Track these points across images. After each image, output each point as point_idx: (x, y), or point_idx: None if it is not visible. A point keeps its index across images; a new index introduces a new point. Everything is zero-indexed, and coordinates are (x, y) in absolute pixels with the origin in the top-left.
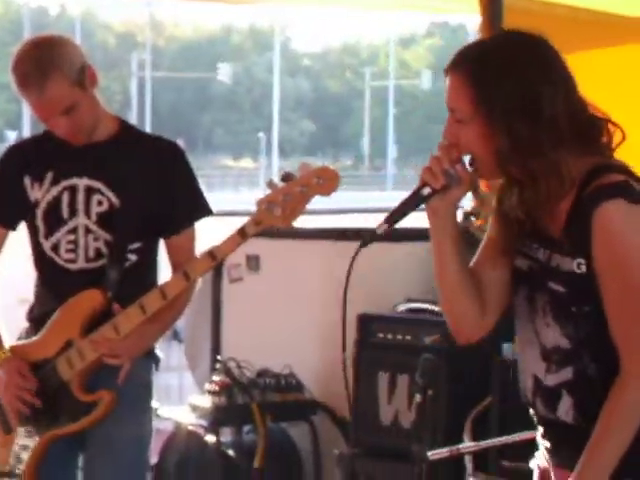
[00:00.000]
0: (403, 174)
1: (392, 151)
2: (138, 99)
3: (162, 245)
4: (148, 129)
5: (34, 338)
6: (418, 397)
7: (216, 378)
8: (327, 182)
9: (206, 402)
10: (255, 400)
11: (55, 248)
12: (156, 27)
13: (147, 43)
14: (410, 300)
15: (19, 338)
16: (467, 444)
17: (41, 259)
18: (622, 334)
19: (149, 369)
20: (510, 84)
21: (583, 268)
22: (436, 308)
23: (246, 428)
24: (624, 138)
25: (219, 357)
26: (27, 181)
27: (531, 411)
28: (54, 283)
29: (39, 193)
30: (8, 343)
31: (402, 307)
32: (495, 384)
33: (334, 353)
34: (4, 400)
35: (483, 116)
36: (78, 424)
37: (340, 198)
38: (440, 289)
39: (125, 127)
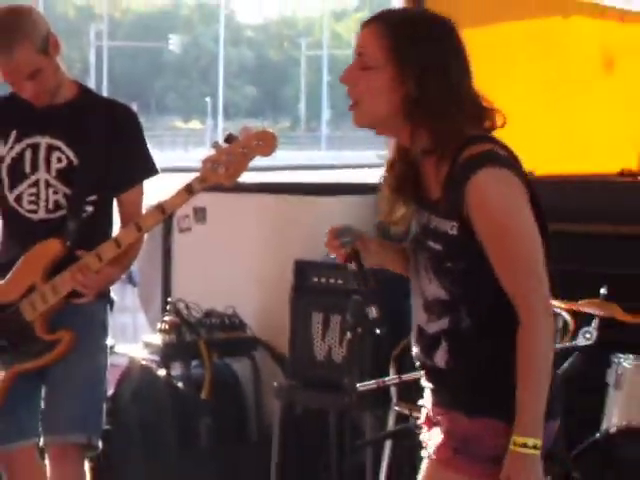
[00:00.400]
0: (335, 135)
1: (326, 114)
2: (96, 66)
3: None
4: (105, 94)
5: (0, 282)
6: (349, 335)
7: (167, 318)
8: (266, 144)
9: (158, 340)
10: (202, 338)
11: (18, 199)
12: (112, 1)
13: (104, 15)
14: None
15: None
16: (392, 377)
17: (5, 210)
18: (512, 291)
19: (105, 310)
20: (425, 46)
21: (455, 230)
22: None
23: (194, 363)
24: (504, 124)
25: (169, 299)
26: None
27: (414, 357)
28: (17, 232)
29: (3, 150)
30: None
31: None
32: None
33: (273, 295)
34: None
35: (395, 65)
36: (41, 360)
37: (279, 157)
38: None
39: (84, 91)
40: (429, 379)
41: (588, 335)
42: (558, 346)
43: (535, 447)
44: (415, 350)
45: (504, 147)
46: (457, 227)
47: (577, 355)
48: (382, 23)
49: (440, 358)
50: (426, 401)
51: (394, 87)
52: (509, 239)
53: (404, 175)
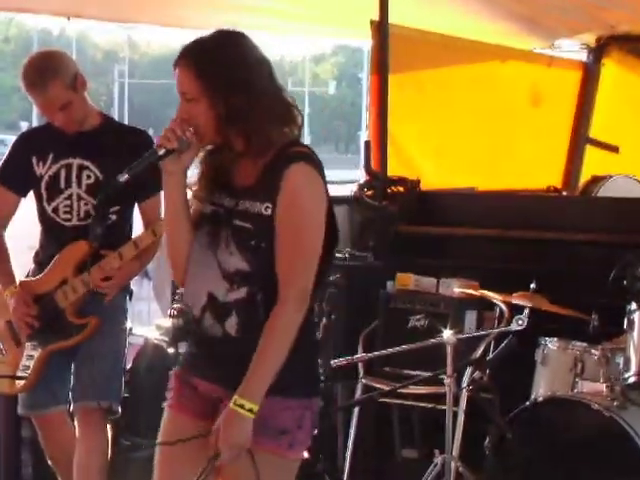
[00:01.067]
0: None
1: (307, 139)
2: (119, 100)
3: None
4: (126, 122)
5: (38, 276)
6: (324, 320)
7: (175, 305)
8: None
9: (168, 323)
10: None
11: (55, 210)
12: (133, 45)
13: (126, 57)
14: None
15: (27, 276)
16: (360, 355)
17: (45, 218)
18: (283, 270)
19: (125, 299)
20: (224, 67)
21: (269, 211)
22: (338, 255)
23: None
24: (303, 122)
25: (178, 290)
26: (34, 160)
27: (191, 325)
28: (54, 236)
29: (43, 169)
30: (18, 280)
31: None
32: (381, 310)
33: None
34: (15, 323)
35: (206, 94)
36: (71, 341)
37: None
38: (170, 236)
39: (107, 120)
40: (214, 352)
41: (520, 322)
42: (496, 330)
43: (251, 410)
44: (199, 318)
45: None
46: (271, 208)
47: (511, 338)
48: (188, 60)
49: (231, 326)
50: (179, 368)
51: (211, 112)
52: (302, 227)
53: (217, 167)
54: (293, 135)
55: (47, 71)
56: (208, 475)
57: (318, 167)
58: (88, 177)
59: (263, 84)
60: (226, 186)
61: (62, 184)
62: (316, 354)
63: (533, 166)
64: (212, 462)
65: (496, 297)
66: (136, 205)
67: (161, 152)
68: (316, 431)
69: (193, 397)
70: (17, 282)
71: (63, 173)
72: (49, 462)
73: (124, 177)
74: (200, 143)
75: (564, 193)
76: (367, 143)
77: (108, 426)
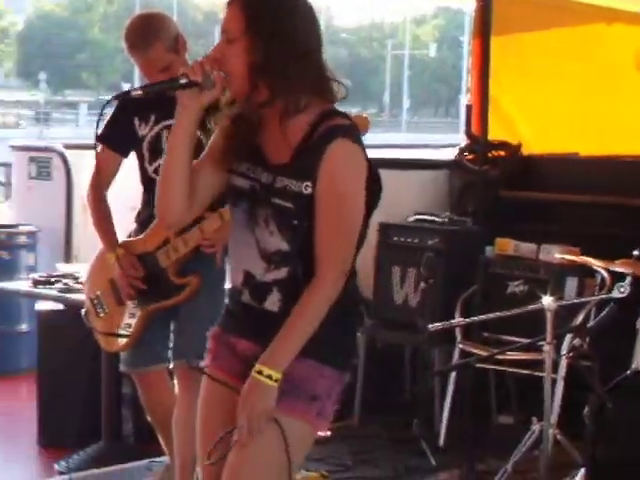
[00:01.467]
0: (413, 120)
1: (406, 103)
2: None
3: None
4: None
5: (140, 236)
6: (422, 285)
7: None
8: (361, 125)
9: None
10: None
11: (156, 171)
12: None
13: None
14: (418, 213)
15: (129, 236)
16: (457, 319)
17: (146, 179)
18: (323, 247)
19: (223, 259)
20: (272, 14)
21: (309, 190)
22: (437, 219)
23: None
24: (346, 96)
25: None
26: (136, 121)
27: (233, 297)
28: (155, 196)
29: (145, 130)
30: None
31: (411, 218)
32: (479, 276)
33: (361, 252)
34: (119, 284)
35: (247, 37)
36: (173, 300)
37: (366, 137)
38: (164, 175)
39: None
40: (255, 322)
41: (622, 289)
42: (597, 297)
43: (275, 380)
44: (239, 292)
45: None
46: (311, 187)
47: (612, 306)
48: (239, 2)
49: (272, 303)
50: (221, 327)
51: (246, 56)
52: (343, 206)
53: (243, 136)
54: (327, 102)
55: (149, 33)
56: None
57: (357, 138)
58: None
59: (307, 46)
60: (258, 159)
61: (164, 145)
62: (355, 326)
63: (638, 131)
64: (229, 433)
65: (598, 264)
66: None
67: (183, 81)
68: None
69: (230, 357)
70: (121, 243)
71: (165, 134)
72: (148, 419)
73: (136, 92)
74: (225, 86)
75: None
76: (468, 107)
77: None
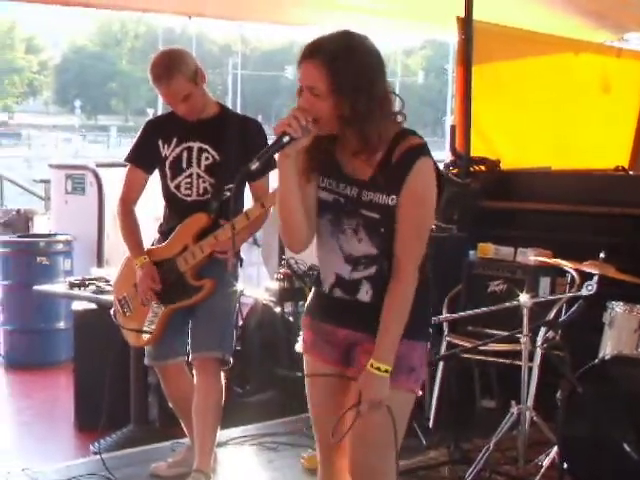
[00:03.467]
0: None
1: None
2: (232, 89)
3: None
4: (238, 109)
5: (163, 244)
6: None
7: (281, 270)
8: None
9: (275, 286)
10: (307, 285)
11: (177, 187)
12: (245, 41)
13: (239, 51)
14: None
15: (152, 244)
16: (445, 315)
17: (168, 194)
18: (403, 251)
19: (236, 264)
20: (354, 71)
21: (394, 202)
22: None
23: (300, 303)
24: (403, 106)
25: (284, 257)
26: (160, 143)
27: (323, 293)
28: (176, 210)
29: (167, 151)
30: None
31: None
32: (464, 276)
33: None
34: (139, 289)
35: (333, 95)
36: (191, 300)
37: None
38: (283, 211)
39: (223, 109)
40: (350, 313)
41: (590, 287)
42: (568, 295)
43: (386, 371)
44: (330, 290)
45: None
46: (395, 199)
47: (581, 302)
48: (320, 58)
49: (363, 295)
50: (311, 318)
51: (335, 111)
52: (423, 218)
53: (319, 158)
54: (398, 124)
55: (171, 67)
56: (348, 419)
57: (430, 153)
58: (207, 159)
59: (382, 86)
60: (339, 175)
61: (184, 164)
62: (430, 305)
63: (603, 148)
64: (352, 409)
65: (568, 265)
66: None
67: (286, 140)
68: None
69: (325, 345)
70: (145, 251)
71: (185, 155)
72: (170, 405)
73: (255, 165)
74: (317, 132)
75: (631, 172)
76: (453, 127)
77: (222, 375)
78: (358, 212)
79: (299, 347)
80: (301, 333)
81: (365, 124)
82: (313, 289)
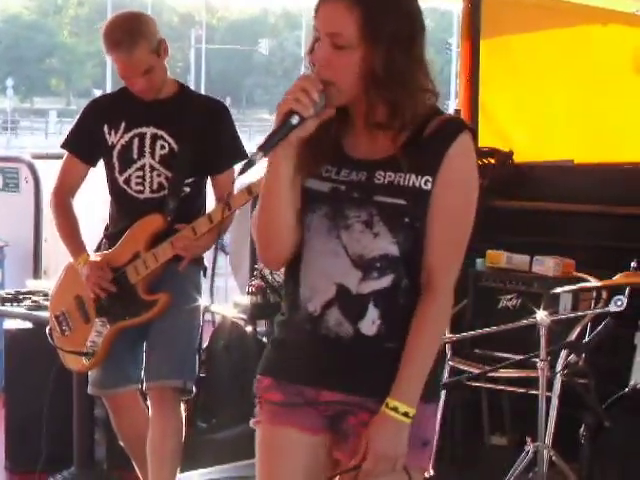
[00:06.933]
0: None
1: None
2: (195, 66)
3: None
4: (202, 91)
5: (109, 250)
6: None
7: (254, 282)
8: None
9: (246, 300)
10: (284, 299)
11: (127, 181)
12: (210, 9)
13: (203, 22)
14: None
15: (97, 249)
16: (447, 335)
17: (116, 190)
18: (438, 254)
19: (198, 274)
20: (394, 16)
21: (429, 185)
22: None
23: None
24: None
25: (256, 266)
26: (105, 128)
27: (302, 324)
28: (125, 209)
29: (115, 138)
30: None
31: None
32: (470, 290)
33: None
34: (87, 288)
35: (366, 42)
36: (141, 318)
37: None
38: (267, 211)
39: (183, 88)
40: (340, 360)
41: (619, 302)
42: (593, 311)
43: (406, 414)
44: (320, 315)
45: None
46: (431, 182)
47: (609, 320)
48: None
49: (368, 324)
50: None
51: (362, 67)
52: (465, 207)
53: (325, 138)
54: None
55: (135, 32)
56: None
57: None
58: (162, 147)
59: (422, 46)
60: (339, 158)
61: (135, 154)
62: (442, 353)
63: (635, 138)
64: (351, 472)
65: (592, 280)
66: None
67: (295, 121)
68: None
69: (299, 409)
70: (88, 252)
71: (136, 142)
72: (121, 443)
73: (259, 155)
74: (334, 105)
75: None
76: (457, 112)
77: (182, 406)
78: (371, 199)
79: (252, 423)
80: (256, 404)
81: (399, 88)
82: (276, 326)
